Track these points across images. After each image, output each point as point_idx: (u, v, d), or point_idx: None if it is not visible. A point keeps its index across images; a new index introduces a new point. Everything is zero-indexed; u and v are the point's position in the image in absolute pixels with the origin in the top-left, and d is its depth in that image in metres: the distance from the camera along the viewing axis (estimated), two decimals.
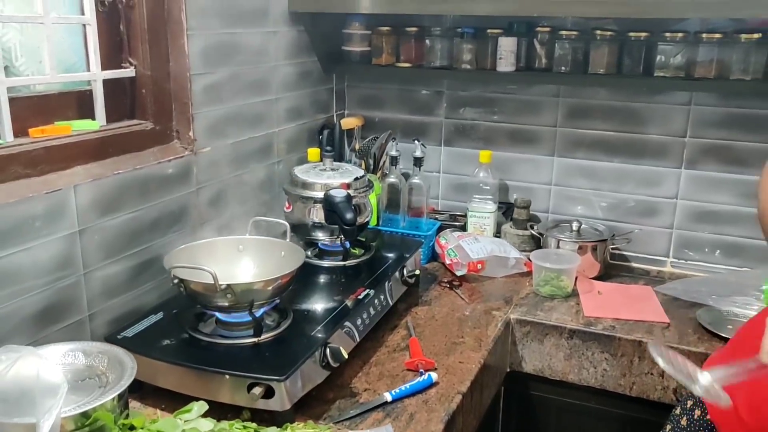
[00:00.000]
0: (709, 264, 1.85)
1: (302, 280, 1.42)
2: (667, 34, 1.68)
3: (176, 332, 1.24)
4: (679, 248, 1.88)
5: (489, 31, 1.84)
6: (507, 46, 1.82)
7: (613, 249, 1.85)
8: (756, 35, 1.59)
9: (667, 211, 1.87)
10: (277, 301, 1.30)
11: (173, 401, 1.14)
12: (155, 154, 1.41)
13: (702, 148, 1.79)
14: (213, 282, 1.14)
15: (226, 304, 1.21)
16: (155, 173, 1.40)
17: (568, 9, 1.60)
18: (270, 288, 1.23)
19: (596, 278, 1.81)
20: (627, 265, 1.92)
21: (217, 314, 1.27)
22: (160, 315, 1.31)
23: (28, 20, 1.19)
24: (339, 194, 1.51)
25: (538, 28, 1.82)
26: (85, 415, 0.89)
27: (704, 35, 1.64)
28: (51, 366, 0.81)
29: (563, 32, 1.78)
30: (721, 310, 1.60)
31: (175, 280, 1.19)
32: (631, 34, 1.72)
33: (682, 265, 1.88)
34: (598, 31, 1.74)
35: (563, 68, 1.79)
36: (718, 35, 1.63)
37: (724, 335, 1.48)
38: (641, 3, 1.50)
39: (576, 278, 1.75)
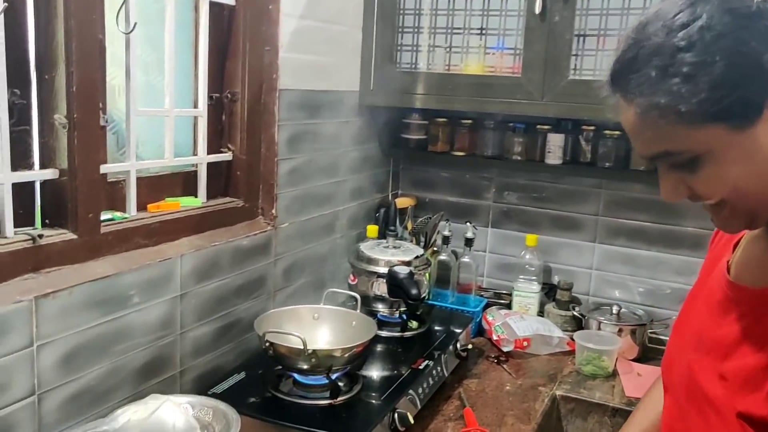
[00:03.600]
0: None
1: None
2: None
3: (260, 390, 1.38)
4: None
5: (538, 126, 2.03)
6: (555, 141, 2.00)
7: (651, 333, 1.96)
8: None
9: None
10: (349, 367, 1.44)
11: None
12: (244, 229, 1.59)
13: None
14: (302, 347, 1.28)
15: (307, 367, 1.35)
16: (242, 246, 1.57)
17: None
18: (346, 355, 1.37)
19: (634, 360, 1.92)
20: (663, 349, 2.02)
21: (296, 376, 1.41)
22: (242, 374, 1.45)
23: (158, 114, 1.40)
24: (403, 271, 1.67)
25: (584, 127, 2.00)
26: None
27: None
28: (186, 414, 0.95)
29: (607, 132, 1.95)
30: None
31: (267, 343, 1.34)
32: None
33: None
34: None
35: (606, 164, 1.96)
36: None
37: None
38: None
39: (616, 359, 1.86)
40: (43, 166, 1.17)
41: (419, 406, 1.48)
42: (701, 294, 0.94)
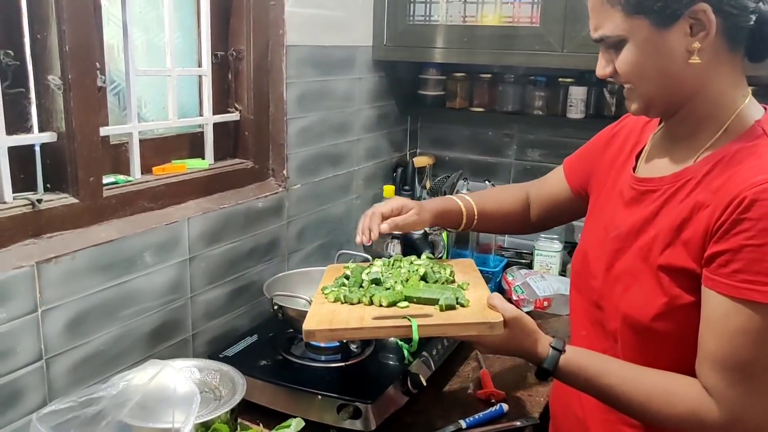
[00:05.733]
0: None
1: None
2: None
3: (271, 353, 1.37)
4: None
5: (560, 79, 1.94)
6: (578, 94, 1.92)
7: None
8: None
9: None
10: None
11: (266, 417, 1.25)
12: (254, 191, 1.56)
13: None
14: None
15: None
16: (253, 208, 1.54)
17: None
18: None
19: None
20: None
21: None
22: (255, 337, 1.44)
23: (159, 73, 1.37)
24: (416, 231, 1.62)
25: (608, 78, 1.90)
26: (204, 425, 1.02)
27: None
28: (186, 379, 0.94)
29: None
30: None
31: (275, 306, 1.32)
32: None
33: None
34: None
35: None
36: None
37: None
38: None
39: None
40: (42, 129, 1.14)
41: (433, 368, 1.45)
42: (609, 202, 1.07)
